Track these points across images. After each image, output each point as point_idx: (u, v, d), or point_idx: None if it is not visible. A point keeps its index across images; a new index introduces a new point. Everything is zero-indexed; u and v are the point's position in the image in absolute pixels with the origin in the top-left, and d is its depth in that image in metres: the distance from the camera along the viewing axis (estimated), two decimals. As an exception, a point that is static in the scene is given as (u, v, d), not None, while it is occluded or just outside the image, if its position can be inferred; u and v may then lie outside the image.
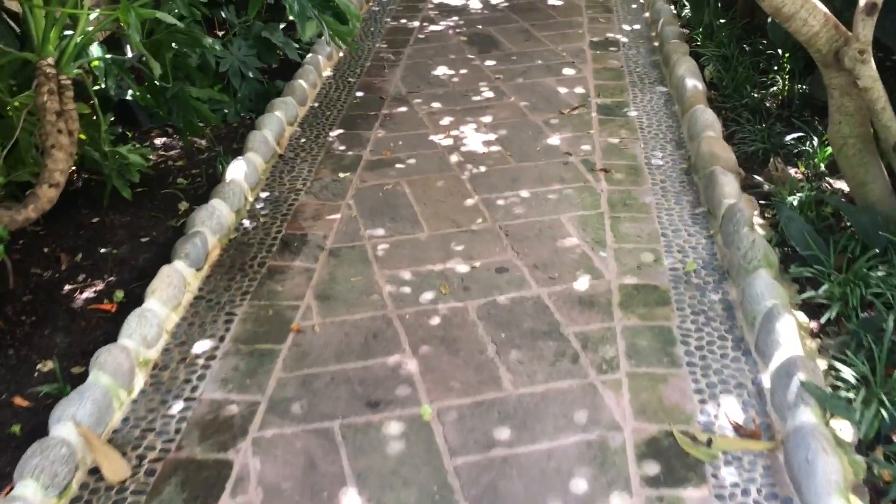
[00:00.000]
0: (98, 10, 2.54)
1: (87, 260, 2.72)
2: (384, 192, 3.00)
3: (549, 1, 5.05)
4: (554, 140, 3.33)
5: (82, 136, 2.67)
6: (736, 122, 3.33)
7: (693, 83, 3.49)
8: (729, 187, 2.71)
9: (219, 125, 3.37)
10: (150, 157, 3.21)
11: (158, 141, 3.54)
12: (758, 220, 2.68)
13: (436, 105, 3.70)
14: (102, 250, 2.76)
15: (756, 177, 2.97)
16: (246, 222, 2.84)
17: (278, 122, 3.36)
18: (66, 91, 2.47)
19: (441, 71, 4.08)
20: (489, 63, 4.14)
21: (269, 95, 3.79)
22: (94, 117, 2.71)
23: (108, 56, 2.72)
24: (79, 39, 2.40)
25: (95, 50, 2.65)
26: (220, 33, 4.18)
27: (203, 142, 3.47)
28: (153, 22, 2.87)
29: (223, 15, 3.95)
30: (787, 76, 3.53)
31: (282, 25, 4.05)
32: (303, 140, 3.43)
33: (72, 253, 2.75)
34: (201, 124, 3.27)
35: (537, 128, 3.44)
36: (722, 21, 4.10)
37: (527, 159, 3.19)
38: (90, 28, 2.44)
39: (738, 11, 4.15)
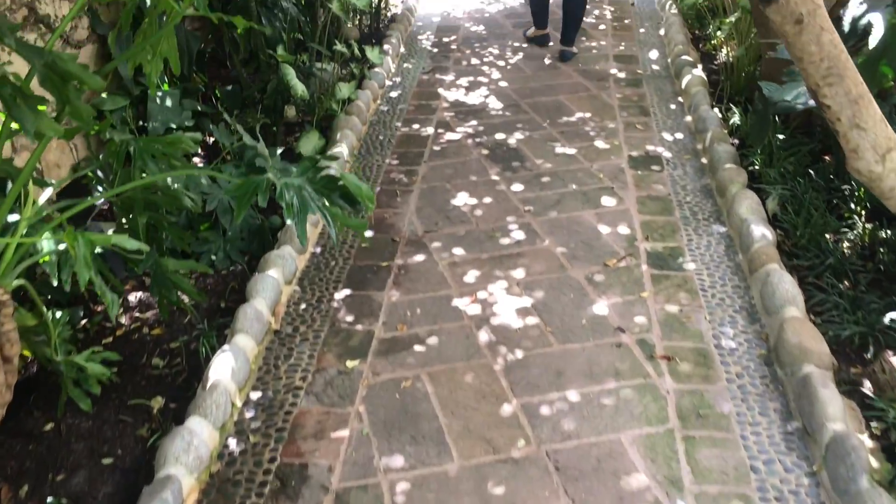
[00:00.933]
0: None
1: (33, 495, 2.22)
2: (401, 391, 2.50)
3: (577, 99, 4.58)
4: (601, 307, 2.84)
5: (26, 353, 2.18)
6: (816, 285, 2.85)
7: (760, 231, 3.01)
8: (832, 406, 2.21)
9: (200, 299, 2.87)
10: (116, 357, 2.72)
11: (133, 296, 3.06)
12: (865, 439, 2.18)
13: (458, 252, 3.21)
14: (54, 478, 2.26)
15: (852, 370, 2.48)
16: (232, 442, 2.34)
17: (273, 285, 2.87)
18: (3, 308, 1.99)
19: (461, 199, 3.60)
20: (516, 188, 3.67)
21: (263, 233, 3.31)
22: (45, 324, 2.22)
23: (62, 247, 2.24)
24: (16, 247, 1.92)
25: (46, 243, 2.17)
26: (207, 145, 3.72)
27: (185, 297, 2.98)
28: (125, 175, 2.41)
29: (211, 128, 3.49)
30: (864, 216, 3.06)
31: (280, 150, 3.58)
32: (303, 306, 2.94)
33: (16, 483, 2.25)
34: (184, 297, 2.78)
35: (579, 288, 2.96)
36: (781, 136, 3.63)
37: (571, 338, 2.70)
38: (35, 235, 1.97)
39: (797, 126, 3.69)
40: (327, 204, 2.12)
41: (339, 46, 4.35)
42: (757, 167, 3.58)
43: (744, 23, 4.34)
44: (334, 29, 4.80)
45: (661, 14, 5.96)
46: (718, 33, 5.21)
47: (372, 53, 4.41)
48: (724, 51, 5.03)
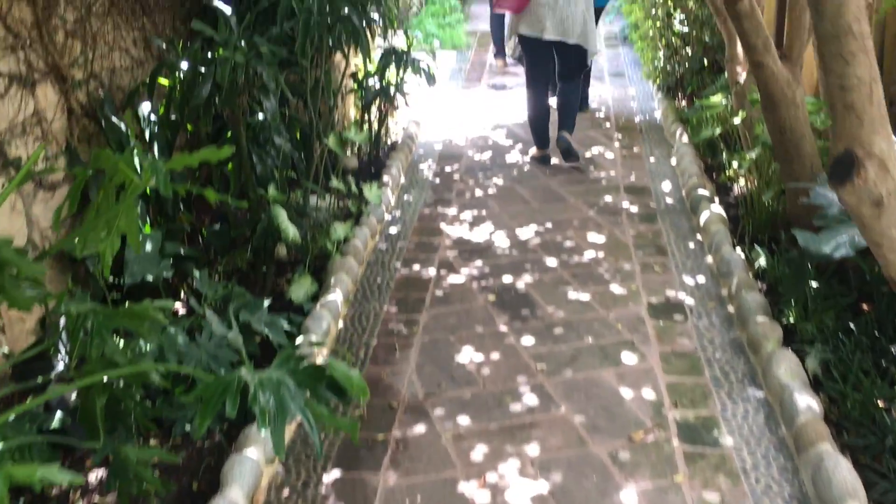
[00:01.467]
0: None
1: None
2: None
3: (588, 236, 4.35)
4: (629, 494, 2.49)
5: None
6: (875, 470, 2.50)
7: (805, 401, 2.69)
8: None
9: (166, 490, 2.52)
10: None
11: (94, 475, 2.70)
12: None
13: (463, 422, 2.88)
14: None
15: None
16: None
17: (252, 469, 2.52)
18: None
19: (467, 355, 3.30)
20: (526, 342, 3.37)
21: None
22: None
23: (-1, 447, 1.92)
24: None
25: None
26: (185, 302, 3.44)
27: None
28: (83, 348, 2.11)
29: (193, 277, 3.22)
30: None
31: (267, 302, 3.30)
32: (285, 491, 2.59)
33: None
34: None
35: (602, 469, 2.61)
36: (814, 283, 3.36)
37: (597, 537, 2.33)
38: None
39: (831, 273, 3.42)
40: (312, 399, 1.80)
41: (335, 183, 4.14)
42: (791, 320, 3.29)
43: (764, 158, 4.15)
44: (331, 162, 4.61)
45: (670, 142, 5.82)
46: (734, 164, 5.04)
47: (370, 193, 4.20)
48: (741, 182, 4.84)
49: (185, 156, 1.59)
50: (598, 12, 6.13)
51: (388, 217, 4.68)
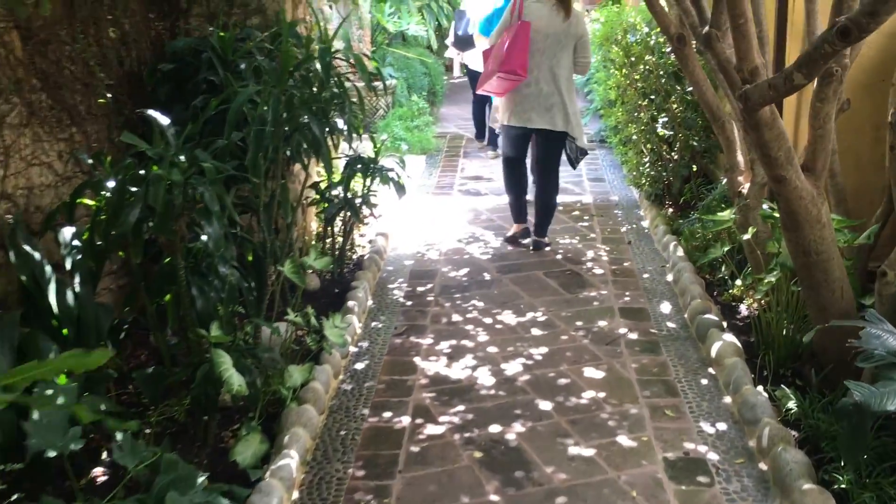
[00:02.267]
0: None
1: None
2: None
3: (584, 371, 3.82)
4: None
5: None
6: None
7: None
8: None
9: None
10: None
11: None
12: None
13: None
14: None
15: None
16: None
17: None
18: None
19: (451, 539, 2.70)
20: (524, 517, 2.78)
21: None
22: None
23: None
24: None
25: None
26: None
27: None
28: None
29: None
30: None
31: (202, 478, 2.69)
32: None
33: None
34: None
35: None
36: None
37: None
38: None
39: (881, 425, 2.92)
40: None
41: (291, 316, 3.59)
42: (843, 485, 2.76)
43: (783, 283, 3.70)
44: (289, 285, 4.08)
45: (663, 255, 5.40)
46: (738, 282, 4.60)
47: (331, 330, 3.64)
48: (751, 303, 4.39)
49: (35, 364, 1.05)
50: None
51: (353, 349, 4.13)
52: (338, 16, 9.49)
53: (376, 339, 4.26)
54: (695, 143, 6.04)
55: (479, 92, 5.89)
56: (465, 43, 8.32)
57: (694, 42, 4.43)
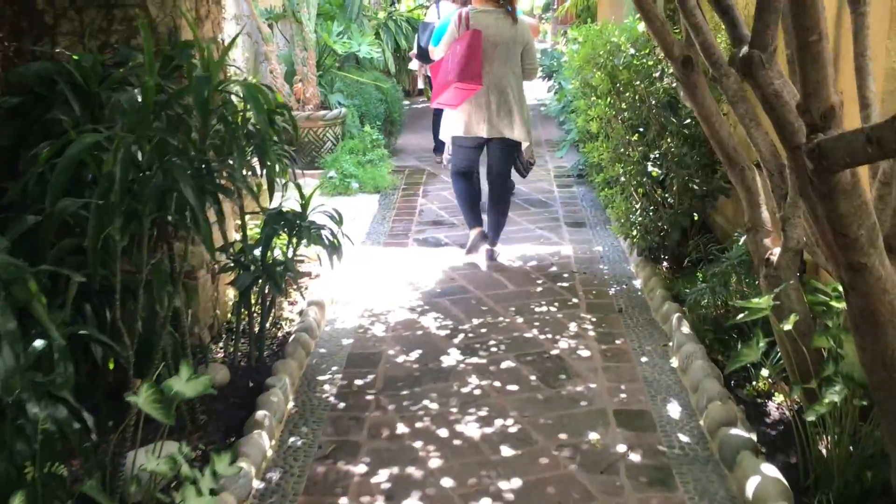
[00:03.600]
0: None
1: None
2: None
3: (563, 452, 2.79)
4: None
5: None
6: None
7: None
8: None
9: None
10: None
11: None
12: None
13: None
14: None
15: None
16: None
17: None
18: None
19: None
20: None
21: None
22: None
23: None
24: None
25: None
26: None
27: None
28: None
29: None
30: None
31: None
32: None
33: None
34: None
35: None
36: None
37: None
38: None
39: None
40: None
41: (150, 463, 2.53)
42: None
43: (849, 404, 2.71)
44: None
45: (663, 327, 4.41)
46: (765, 372, 3.63)
47: (222, 465, 2.60)
48: (781, 399, 3.42)
49: None
50: None
51: (258, 485, 3.06)
52: (282, 37, 8.49)
53: (292, 467, 3.20)
54: (695, 187, 5.08)
55: (433, 106, 5.83)
56: (428, 55, 7.40)
57: (711, 71, 3.46)
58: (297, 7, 7.73)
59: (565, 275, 5.38)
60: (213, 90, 2.72)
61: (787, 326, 3.02)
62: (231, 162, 2.73)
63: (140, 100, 2.56)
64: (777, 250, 3.49)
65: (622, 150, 5.38)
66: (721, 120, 3.66)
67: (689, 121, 5.13)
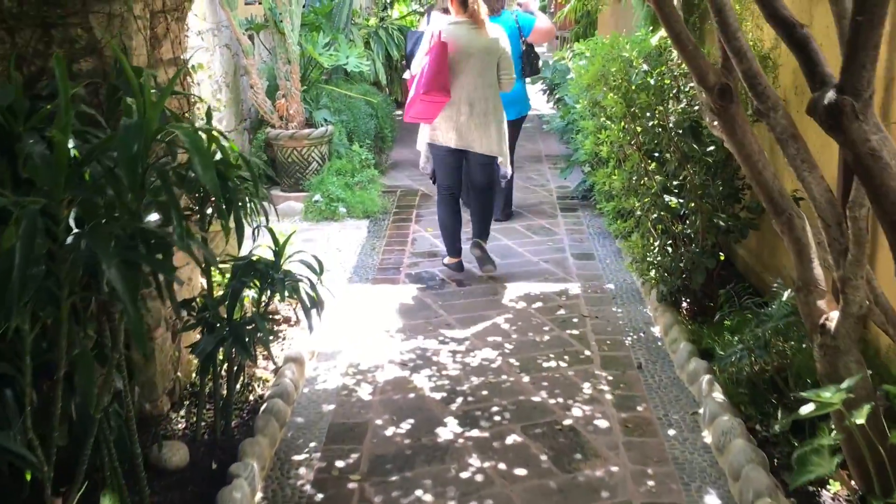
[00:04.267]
0: None
1: None
2: None
3: None
4: None
5: None
6: None
7: None
8: None
9: None
10: None
11: None
12: None
13: None
14: None
15: None
16: None
17: None
18: None
19: None
20: None
21: None
22: None
23: None
24: None
25: None
26: None
27: None
28: None
29: None
30: None
31: None
32: None
33: None
34: None
35: None
36: None
37: None
38: None
39: None
40: None
41: None
42: None
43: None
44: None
45: (690, 389, 3.88)
46: (818, 459, 3.09)
47: None
48: (836, 489, 2.88)
49: None
50: (516, 126, 6.77)
51: None
52: (264, 49, 7.95)
53: (256, 588, 2.66)
54: (720, 223, 4.55)
55: (406, 120, 5.70)
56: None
57: (756, 104, 2.94)
58: (279, 17, 7.18)
59: (575, 319, 4.84)
60: (150, 140, 2.17)
61: (860, 420, 2.49)
62: (171, 229, 2.17)
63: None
64: (834, 315, 2.97)
65: (637, 179, 4.86)
66: (765, 161, 3.14)
67: (712, 147, 4.61)
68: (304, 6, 8.37)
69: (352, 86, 8.82)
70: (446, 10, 5.96)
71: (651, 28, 5.94)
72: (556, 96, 9.01)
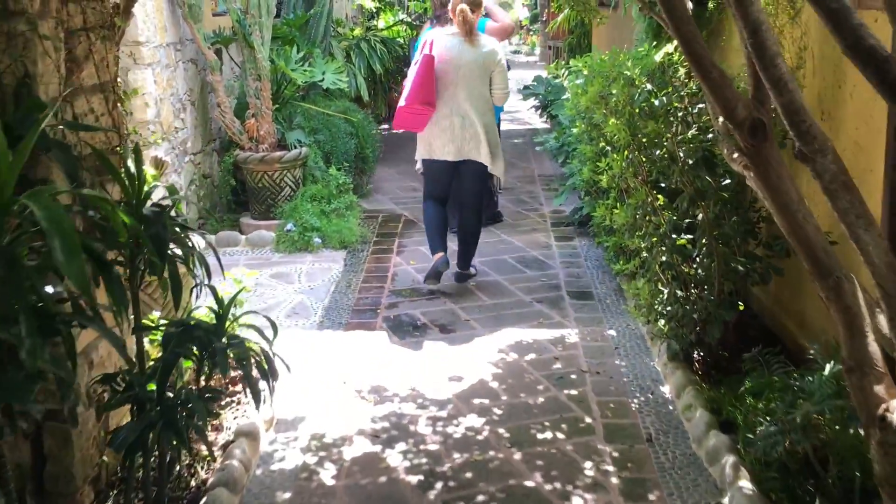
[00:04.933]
0: None
1: None
2: None
3: None
4: None
5: None
6: None
7: None
8: None
9: None
10: None
11: None
12: None
13: None
14: None
15: None
16: None
17: None
18: None
19: None
20: None
21: None
22: None
23: None
24: None
25: None
26: None
27: None
28: None
29: None
30: None
31: None
32: None
33: None
34: None
35: None
36: None
37: None
38: None
39: None
40: None
41: None
42: None
43: None
44: None
45: (710, 470, 3.33)
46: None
47: None
48: None
49: None
50: None
51: None
52: (233, 64, 7.40)
53: None
54: (739, 267, 4.00)
55: (395, 128, 5.78)
56: None
57: (798, 145, 2.40)
58: (248, 29, 6.62)
59: (573, 375, 4.28)
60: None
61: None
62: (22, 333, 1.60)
63: None
64: (895, 404, 2.42)
65: (641, 212, 4.31)
66: (806, 211, 2.59)
67: (728, 181, 4.08)
68: (277, 17, 7.83)
69: (331, 102, 8.26)
70: (437, 19, 6.16)
71: (655, 43, 5.40)
72: (550, 112, 8.45)
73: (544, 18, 26.30)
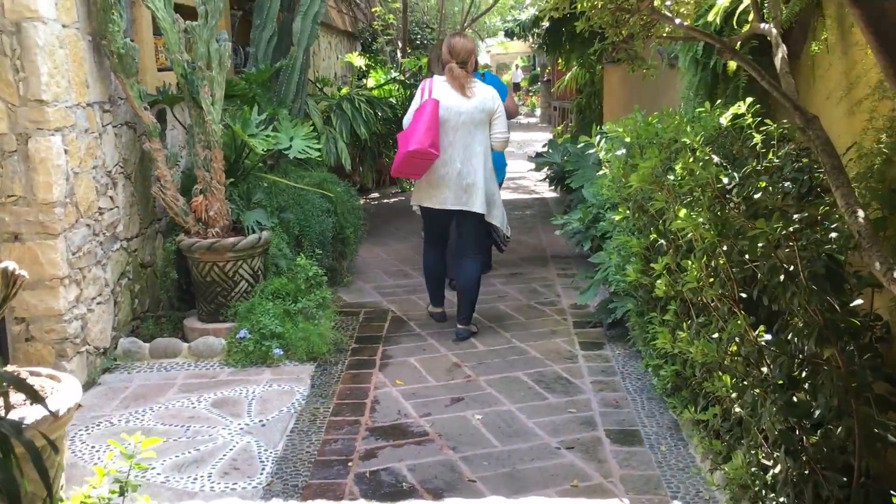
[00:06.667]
0: None
1: None
2: None
3: None
4: None
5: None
6: None
7: None
8: None
9: None
10: None
11: None
12: None
13: None
14: None
15: None
16: None
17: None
18: None
19: None
20: None
21: None
22: None
23: None
24: None
25: None
26: None
27: None
28: None
29: None
30: None
31: None
32: None
33: None
34: None
35: None
36: None
37: None
38: None
39: None
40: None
41: None
42: None
43: None
44: None
45: None
46: None
47: None
48: None
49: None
50: None
51: None
52: (179, 125, 6.11)
53: None
54: (890, 435, 2.64)
55: (393, 175, 5.61)
56: None
57: None
58: (196, 86, 5.36)
59: None
60: None
61: None
62: None
63: None
64: None
65: (734, 349, 2.96)
66: None
67: (860, 300, 2.77)
68: (238, 70, 6.60)
69: (306, 173, 6.98)
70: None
71: (719, 101, 4.12)
72: (569, 185, 7.14)
73: (546, 79, 25.37)
